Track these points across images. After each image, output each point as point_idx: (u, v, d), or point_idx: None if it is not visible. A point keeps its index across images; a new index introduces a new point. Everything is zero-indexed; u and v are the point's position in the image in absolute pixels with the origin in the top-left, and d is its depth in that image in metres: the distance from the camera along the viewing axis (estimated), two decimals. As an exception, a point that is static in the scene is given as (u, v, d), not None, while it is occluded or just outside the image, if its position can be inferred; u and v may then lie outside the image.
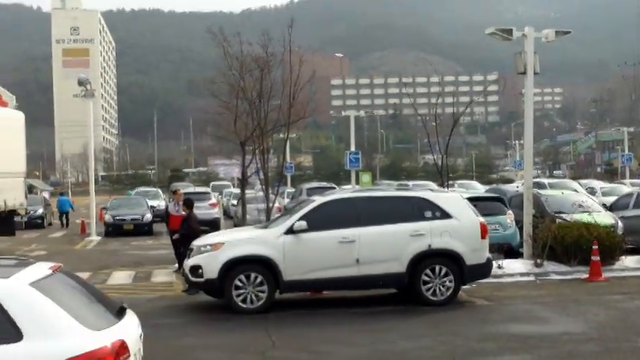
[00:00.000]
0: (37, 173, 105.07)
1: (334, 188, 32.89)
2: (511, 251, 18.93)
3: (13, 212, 24.94)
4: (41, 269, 5.96)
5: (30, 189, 49.78)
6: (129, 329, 5.87)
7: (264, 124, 21.03)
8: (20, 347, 5.18)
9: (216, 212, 31.39)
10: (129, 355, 5.53)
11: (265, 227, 14.44)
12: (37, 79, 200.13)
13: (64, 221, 38.45)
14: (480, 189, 39.99)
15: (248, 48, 21.68)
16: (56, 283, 5.83)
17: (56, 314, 5.34)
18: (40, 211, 35.39)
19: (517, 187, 26.15)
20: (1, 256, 6.50)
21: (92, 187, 34.24)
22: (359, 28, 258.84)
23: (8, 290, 5.39)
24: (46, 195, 58.45)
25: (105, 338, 5.39)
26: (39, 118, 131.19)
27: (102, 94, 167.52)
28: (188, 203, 18.03)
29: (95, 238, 30.64)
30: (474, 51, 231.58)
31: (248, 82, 21.36)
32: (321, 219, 13.41)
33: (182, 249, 17.11)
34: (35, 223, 34.61)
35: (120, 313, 6.06)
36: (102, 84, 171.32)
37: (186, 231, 17.39)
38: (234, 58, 21.37)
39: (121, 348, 5.43)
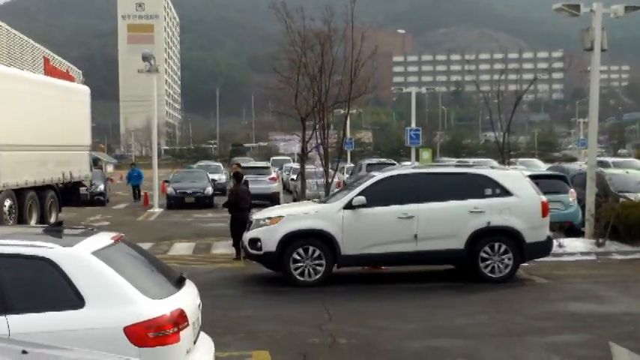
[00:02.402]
0: (103, 146, 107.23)
1: (394, 164, 32.82)
2: (572, 230, 18.69)
3: (78, 184, 25.51)
4: (103, 239, 6.10)
5: (95, 162, 50.77)
6: (188, 299, 5.96)
7: (324, 100, 21.04)
8: (82, 313, 5.32)
9: (275, 186, 31.61)
10: (187, 324, 5.62)
11: (324, 202, 14.51)
12: (104, 55, 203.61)
13: (136, 193, 37.86)
14: (541, 167, 39.32)
15: (310, 23, 21.67)
16: (117, 252, 5.96)
17: (117, 282, 5.47)
18: (102, 187, 34.42)
19: (580, 165, 25.62)
20: (66, 225, 6.66)
21: (155, 160, 34.75)
22: (422, 3, 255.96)
23: (71, 258, 5.53)
24: (110, 167, 59.59)
25: (164, 307, 5.48)
26: (105, 93, 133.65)
27: (165, 70, 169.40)
28: (237, 176, 17.94)
29: (157, 210, 31.16)
30: (540, 27, 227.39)
31: (310, 57, 21.37)
32: (381, 194, 13.43)
33: (232, 221, 17.17)
34: (98, 200, 33.62)
35: (179, 282, 6.17)
36: (166, 59, 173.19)
37: (227, 201, 17.49)
38: (296, 33, 21.38)
39: (180, 317, 5.52)
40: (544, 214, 13.74)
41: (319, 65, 20.98)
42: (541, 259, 14.60)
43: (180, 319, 5.52)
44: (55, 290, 5.42)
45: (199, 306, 6.30)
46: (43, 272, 5.45)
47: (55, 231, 6.22)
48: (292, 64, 21.90)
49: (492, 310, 11.28)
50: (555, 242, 15.20)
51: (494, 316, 10.92)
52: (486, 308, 11.45)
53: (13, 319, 5.25)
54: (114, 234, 6.37)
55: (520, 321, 10.56)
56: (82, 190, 28.23)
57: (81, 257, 5.56)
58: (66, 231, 6.35)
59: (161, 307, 5.46)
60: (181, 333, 5.49)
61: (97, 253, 5.64)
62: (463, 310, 11.28)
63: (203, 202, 32.45)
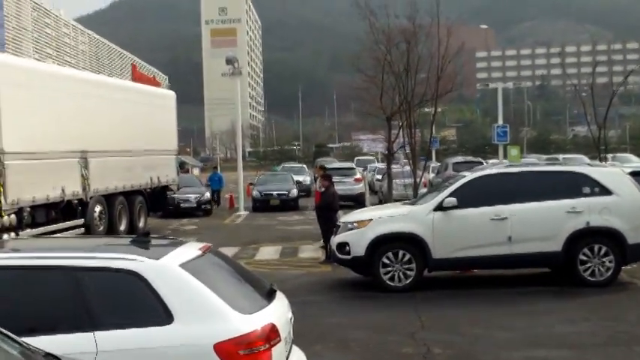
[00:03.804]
0: (188, 150, 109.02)
1: (481, 163, 32.13)
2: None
3: (166, 188, 25.77)
4: (191, 250, 5.86)
5: (181, 165, 51.52)
6: (279, 312, 5.69)
7: (410, 98, 20.63)
8: (171, 329, 5.10)
9: (361, 187, 31.26)
10: (280, 340, 5.35)
11: (413, 203, 14.13)
12: (188, 59, 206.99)
13: (215, 198, 35.77)
14: (636, 162, 37.96)
15: (394, 20, 21.31)
16: (206, 264, 5.73)
17: (206, 297, 5.23)
18: (207, 194, 31.47)
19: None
20: (153, 235, 6.48)
21: (240, 162, 34.91)
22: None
23: (159, 272, 5.32)
24: (196, 171, 60.31)
25: (255, 322, 5.22)
26: (189, 97, 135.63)
27: (248, 72, 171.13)
28: (326, 177, 17.75)
29: (243, 213, 31.28)
30: (626, 17, 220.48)
31: (395, 55, 21.01)
32: (472, 195, 12.97)
33: (322, 222, 17.03)
34: (206, 209, 30.86)
35: (270, 295, 5.90)
36: (248, 62, 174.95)
37: (320, 204, 17.27)
38: (380, 31, 21.05)
39: (272, 332, 5.25)
40: (647, 214, 13.02)
41: (405, 63, 20.60)
42: (644, 260, 13.86)
43: (272, 335, 5.24)
44: (142, 305, 5.23)
45: (291, 319, 6.01)
46: (130, 286, 5.27)
47: (142, 242, 6.03)
48: (377, 62, 21.60)
49: (594, 317, 10.70)
50: (658, 243, 14.39)
51: (597, 323, 10.34)
52: (588, 315, 10.87)
53: (101, 335, 5.08)
54: (202, 244, 6.14)
55: (625, 329, 9.96)
56: (189, 200, 28.62)
57: (169, 270, 5.35)
58: (153, 242, 6.16)
59: (252, 322, 5.19)
60: (273, 349, 5.22)
61: (184, 266, 5.41)
62: (563, 317, 10.72)
63: (288, 205, 32.43)
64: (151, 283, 5.22)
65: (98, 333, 5.08)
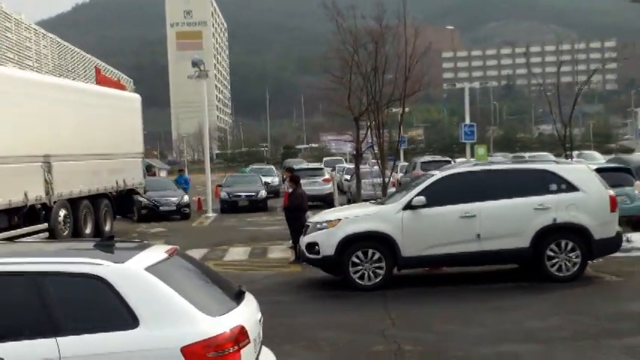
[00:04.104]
0: (156, 153, 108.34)
1: (449, 162, 32.27)
2: (639, 224, 17.97)
3: (132, 191, 25.55)
4: (157, 253, 5.75)
5: (148, 168, 51.09)
6: (248, 313, 5.62)
7: (378, 99, 20.66)
8: (136, 334, 5.00)
9: (329, 187, 31.24)
10: (249, 341, 5.28)
11: (382, 203, 14.13)
12: (154, 62, 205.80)
13: None
14: (600, 159, 38.38)
15: (362, 21, 21.32)
16: (172, 267, 5.63)
17: (172, 300, 5.13)
18: (186, 198, 30.77)
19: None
20: (118, 238, 6.38)
21: (207, 165, 34.74)
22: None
23: (123, 275, 5.20)
24: (163, 173, 59.97)
25: (223, 324, 5.14)
26: (156, 100, 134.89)
27: (215, 75, 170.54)
28: (294, 179, 17.74)
29: (211, 215, 31.12)
30: (589, 17, 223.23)
31: (362, 55, 21.02)
32: (441, 194, 13.00)
33: (291, 223, 17.02)
34: (184, 213, 30.15)
35: (238, 296, 5.82)
36: (215, 65, 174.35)
37: (288, 206, 17.24)
38: (347, 32, 21.06)
39: (241, 334, 5.18)
40: (613, 209, 13.16)
41: (372, 64, 20.62)
42: (609, 255, 13.98)
43: (240, 337, 5.17)
44: (107, 310, 5.11)
45: (260, 320, 5.94)
46: (94, 291, 5.15)
47: (106, 246, 5.91)
48: (344, 63, 21.60)
49: (562, 311, 10.76)
50: (623, 237, 14.54)
51: (564, 317, 10.40)
52: (556, 309, 10.94)
53: (64, 341, 4.95)
54: (168, 247, 6.04)
55: (593, 322, 10.04)
56: (169, 203, 28.35)
57: (134, 274, 5.24)
58: (117, 245, 6.04)
59: (220, 325, 5.11)
60: (242, 351, 5.15)
61: (150, 269, 5.30)
62: (532, 312, 10.78)
63: (257, 206, 32.39)
64: (115, 287, 5.10)
65: (61, 339, 4.96)
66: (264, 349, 6.09)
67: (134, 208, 26.43)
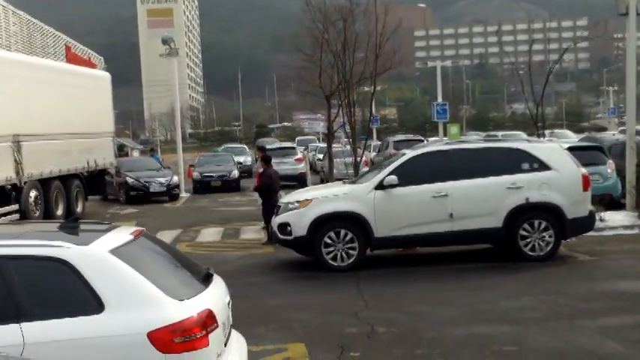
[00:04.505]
0: (128, 132, 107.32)
1: (422, 141, 32.25)
2: (612, 203, 18.04)
3: (103, 172, 25.23)
4: (122, 235, 5.60)
5: (121, 148, 50.59)
6: (216, 297, 5.49)
7: (349, 77, 20.50)
8: (101, 318, 4.87)
9: (302, 167, 31.12)
10: (217, 325, 5.16)
11: (354, 182, 14.01)
12: (125, 40, 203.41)
13: None
14: (573, 138, 38.58)
15: (331, -1, 21.13)
16: (138, 249, 5.48)
17: (138, 283, 5.00)
18: (175, 179, 29.80)
19: (614, 135, 24.89)
20: (87, 220, 6.20)
21: (179, 144, 34.40)
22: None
23: (88, 258, 5.06)
24: (135, 153, 59.47)
25: (191, 308, 5.01)
26: (128, 79, 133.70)
27: (187, 53, 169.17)
28: (265, 159, 17.50)
29: (184, 195, 30.85)
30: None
31: (332, 34, 20.83)
32: (413, 173, 12.90)
33: (262, 203, 16.84)
34: (173, 194, 29.35)
35: (206, 279, 5.68)
36: (186, 43, 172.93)
37: (260, 185, 17.04)
38: (317, 10, 20.83)
39: (208, 318, 5.05)
40: (585, 188, 13.13)
41: (342, 41, 20.44)
42: (582, 234, 13.99)
43: (208, 321, 5.04)
44: (71, 294, 4.96)
45: (229, 304, 5.80)
46: (57, 274, 4.99)
47: (71, 228, 5.74)
48: (315, 41, 21.39)
49: (536, 291, 10.73)
50: (596, 216, 14.58)
51: (538, 297, 10.37)
52: (530, 289, 10.91)
53: (27, 326, 4.81)
54: (134, 228, 5.88)
55: (567, 302, 10.01)
56: (159, 183, 27.95)
57: (98, 256, 5.08)
58: (82, 227, 5.87)
59: (187, 309, 4.98)
60: (210, 336, 5.02)
61: (115, 252, 5.15)
62: (505, 292, 10.75)
63: (230, 186, 32.13)
64: (79, 271, 4.96)
65: (24, 324, 4.81)
66: (234, 332, 5.97)
67: (105, 189, 26.09)
